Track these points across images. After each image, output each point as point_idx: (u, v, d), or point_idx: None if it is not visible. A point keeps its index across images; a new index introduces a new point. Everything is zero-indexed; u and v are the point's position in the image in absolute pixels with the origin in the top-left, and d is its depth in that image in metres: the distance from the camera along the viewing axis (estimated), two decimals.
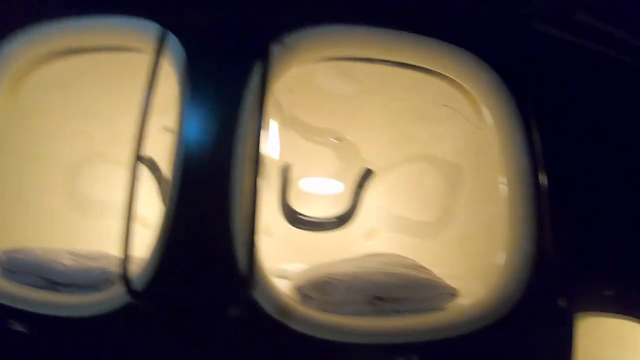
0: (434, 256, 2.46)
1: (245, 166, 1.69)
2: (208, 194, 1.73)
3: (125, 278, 1.63)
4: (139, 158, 1.74)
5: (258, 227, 1.64)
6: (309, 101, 2.82)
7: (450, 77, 2.03)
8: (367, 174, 3.25)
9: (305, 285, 1.84)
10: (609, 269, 3.72)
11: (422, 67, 2.05)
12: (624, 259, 3.63)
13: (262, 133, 1.70)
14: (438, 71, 2.03)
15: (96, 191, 2.90)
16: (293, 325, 1.64)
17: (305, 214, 3.23)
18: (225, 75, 1.85)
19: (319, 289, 1.78)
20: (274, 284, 1.75)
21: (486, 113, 1.97)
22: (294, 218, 3.20)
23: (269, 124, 2.74)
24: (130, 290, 1.65)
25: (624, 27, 3.17)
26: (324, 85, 2.63)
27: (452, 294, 1.81)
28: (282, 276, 2.27)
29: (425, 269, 1.91)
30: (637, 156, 3.53)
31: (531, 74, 2.07)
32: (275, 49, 1.82)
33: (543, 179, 1.84)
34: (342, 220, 3.27)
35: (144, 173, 2.65)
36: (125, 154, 1.82)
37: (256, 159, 1.67)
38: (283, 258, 2.68)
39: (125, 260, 1.65)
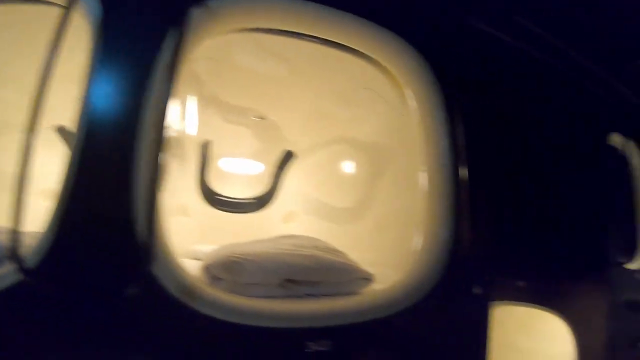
0: (352, 241, 2.44)
1: (151, 137, 1.55)
2: (109, 165, 1.54)
3: (15, 254, 1.45)
4: (54, 128, 1.53)
5: (160, 202, 1.50)
6: (230, 79, 2.69)
7: (376, 59, 1.98)
8: (288, 156, 3.20)
9: (214, 265, 1.72)
10: (523, 260, 3.92)
11: (347, 47, 1.98)
12: (537, 251, 3.83)
13: (171, 102, 1.56)
14: (363, 52, 1.97)
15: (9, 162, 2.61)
16: (196, 306, 1.53)
17: (224, 194, 3.12)
18: (139, 37, 1.68)
19: (228, 269, 1.67)
20: (179, 264, 1.60)
21: (410, 99, 1.94)
22: (212, 198, 3.07)
23: (184, 95, 2.59)
24: (21, 267, 1.47)
25: (555, 32, 3.33)
26: (247, 63, 2.51)
27: (366, 278, 1.77)
28: (196, 257, 2.15)
29: (341, 252, 1.85)
30: (555, 151, 3.73)
31: (458, 64, 2.08)
32: (195, 14, 1.69)
33: (463, 168, 1.84)
34: (261, 202, 3.19)
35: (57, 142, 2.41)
36: (42, 122, 1.62)
37: (161, 130, 1.53)
38: (200, 239, 2.57)
39: (15, 234, 1.46)
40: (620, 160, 4.21)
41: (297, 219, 3.09)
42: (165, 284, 1.53)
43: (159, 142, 1.51)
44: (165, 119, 1.54)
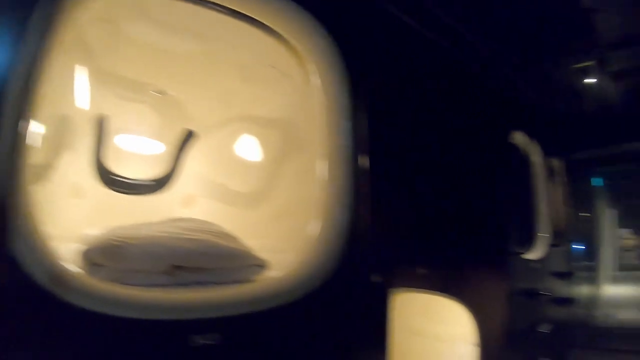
0: (253, 227, 2.35)
1: (15, 102, 1.34)
2: None
3: None
4: None
5: (23, 175, 1.31)
6: (128, 52, 2.46)
7: (282, 34, 1.88)
8: (189, 136, 3.01)
9: (93, 250, 1.54)
10: (424, 248, 4.02)
11: (252, 19, 1.85)
12: (438, 240, 3.95)
13: (46, 66, 1.37)
14: (269, 25, 1.86)
15: None
16: (68, 297, 1.34)
17: (121, 174, 2.89)
18: None
19: (109, 255, 1.50)
20: (48, 248, 1.42)
21: (314, 78, 1.86)
22: (108, 178, 2.82)
23: (71, 64, 2.35)
24: None
25: (466, 27, 3.39)
26: (142, 36, 2.31)
27: (260, 265, 1.67)
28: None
29: (234, 237, 1.73)
30: (458, 143, 3.85)
31: (366, 47, 2.02)
32: None
33: (363, 155, 1.79)
34: (160, 183, 2.99)
35: None
36: None
37: (28, 95, 1.33)
38: (94, 223, 2.35)
39: None
40: (521, 157, 4.46)
41: (196, 203, 2.94)
42: (30, 271, 1.33)
43: (23, 108, 1.31)
44: (35, 84, 1.35)
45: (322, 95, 1.84)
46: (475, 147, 3.72)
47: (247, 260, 1.63)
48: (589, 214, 8.39)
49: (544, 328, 4.19)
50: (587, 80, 4.95)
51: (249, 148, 2.65)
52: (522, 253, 3.84)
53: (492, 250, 3.56)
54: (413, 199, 4.07)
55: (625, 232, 14.70)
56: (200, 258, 1.55)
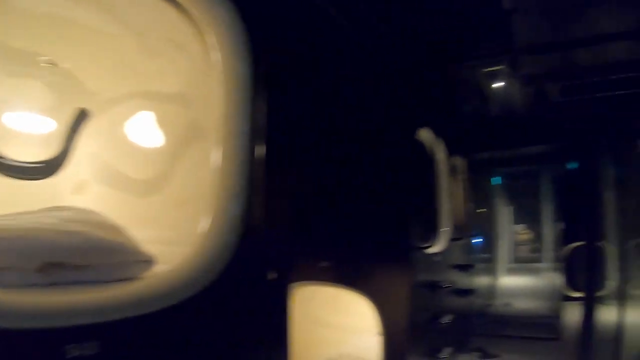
0: (147, 217, 2.16)
1: None
2: None
3: None
4: None
5: None
6: (13, 20, 2.18)
7: (180, 2, 1.71)
8: (82, 115, 2.71)
9: None
10: (327, 242, 4.00)
11: None
12: (341, 234, 3.94)
13: None
14: None
15: None
16: None
17: (6, 156, 2.58)
18: None
19: None
20: None
21: (214, 53, 1.69)
22: None
23: None
24: None
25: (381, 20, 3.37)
26: (31, 3, 2.06)
27: (147, 260, 1.47)
28: None
29: (120, 229, 1.51)
30: (363, 137, 3.86)
31: (273, 30, 1.90)
32: None
33: (262, 144, 1.66)
34: (50, 167, 2.70)
35: None
36: None
37: None
38: None
39: None
40: (426, 154, 4.58)
41: (89, 190, 2.66)
42: None
43: None
44: None
45: (222, 73, 1.67)
46: (380, 141, 3.75)
47: (132, 256, 1.43)
48: (488, 210, 8.92)
49: (446, 319, 4.35)
50: (495, 84, 5.20)
51: (146, 130, 2.43)
52: (425, 247, 3.94)
53: (395, 244, 3.62)
54: (315, 191, 4.03)
55: (519, 228, 15.83)
56: (79, 253, 1.31)
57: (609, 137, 4.18)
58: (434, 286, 4.25)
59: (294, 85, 2.01)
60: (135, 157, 2.45)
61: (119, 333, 1.29)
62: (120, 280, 1.38)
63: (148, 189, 2.32)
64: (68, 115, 2.71)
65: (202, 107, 1.95)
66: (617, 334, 3.26)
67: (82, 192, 2.63)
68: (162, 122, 2.35)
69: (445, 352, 4.35)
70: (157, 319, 1.35)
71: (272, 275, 1.66)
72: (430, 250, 4.20)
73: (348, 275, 3.78)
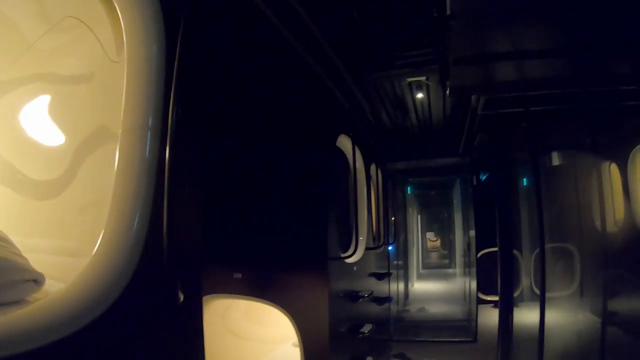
0: (44, 224, 1.87)
1: None
2: None
3: None
4: None
5: None
6: None
7: None
8: None
9: None
10: (241, 253, 3.83)
11: None
12: (255, 245, 3.79)
13: None
14: None
15: None
16: None
17: None
18: None
19: None
20: None
21: (125, 36, 1.46)
22: None
23: None
24: None
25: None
26: None
27: (36, 280, 1.22)
28: None
29: (4, 241, 1.25)
30: (282, 143, 3.75)
31: (193, 14, 1.68)
32: None
33: (171, 145, 1.40)
34: None
35: None
36: None
37: None
38: None
39: None
40: (345, 163, 4.55)
41: None
42: None
43: None
44: None
45: (131, 59, 1.45)
46: (297, 147, 3.66)
47: (18, 274, 1.19)
48: (401, 218, 9.14)
49: (366, 329, 4.32)
50: (418, 95, 5.28)
51: (47, 123, 2.12)
52: (342, 257, 3.90)
53: (311, 254, 3.54)
54: (227, 199, 3.87)
55: (431, 235, 16.43)
56: None
57: (523, 150, 4.37)
58: (352, 295, 4.21)
59: (211, 80, 1.81)
60: (34, 153, 2.13)
61: None
62: (2, 304, 1.13)
63: (47, 191, 2.01)
64: None
65: (108, 98, 1.70)
66: (533, 334, 3.37)
67: None
68: (65, 115, 2.06)
69: None
70: (49, 353, 1.09)
71: (180, 289, 1.44)
72: (348, 260, 4.14)
73: (262, 286, 3.63)
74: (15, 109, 2.21)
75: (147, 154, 1.33)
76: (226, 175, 3.89)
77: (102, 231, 1.26)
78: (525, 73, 3.65)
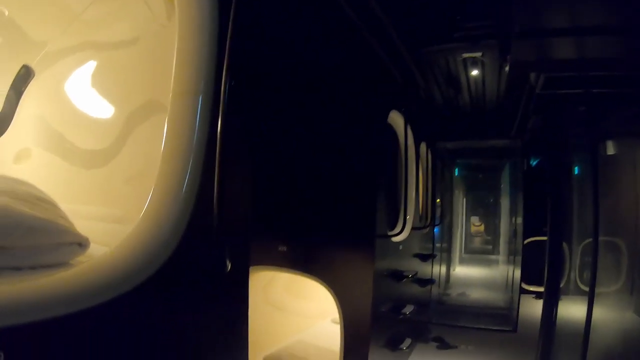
0: (94, 192, 1.90)
1: None
2: None
3: None
4: None
5: None
6: None
7: None
8: (27, 74, 2.42)
9: None
10: (286, 227, 3.81)
11: None
12: (301, 218, 3.75)
13: None
14: None
15: None
16: None
17: None
18: None
19: None
20: None
21: (178, 7, 1.41)
22: None
23: None
24: None
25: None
26: None
27: (80, 243, 1.21)
28: None
29: (49, 204, 1.24)
30: (327, 111, 3.66)
31: None
32: None
33: (223, 118, 1.37)
34: None
35: None
36: None
37: None
38: None
39: None
40: (395, 140, 4.42)
41: (31, 159, 2.36)
42: None
43: None
44: None
45: (184, 24, 1.40)
46: (348, 123, 3.57)
47: (63, 237, 1.18)
48: (448, 200, 8.93)
49: (407, 310, 4.25)
50: (472, 72, 5.06)
51: (96, 92, 2.13)
52: (389, 235, 3.80)
53: (358, 231, 3.47)
54: (278, 174, 3.84)
55: (476, 219, 16.08)
56: None
57: (579, 136, 4.11)
58: (396, 275, 4.12)
59: (264, 49, 1.75)
60: (83, 122, 2.15)
61: (41, 337, 0.98)
62: (46, 266, 1.12)
63: (95, 160, 2.03)
64: (10, 74, 2.37)
65: (157, 64, 1.67)
66: (575, 329, 3.20)
67: (24, 161, 2.30)
68: (114, 83, 2.05)
69: (406, 343, 4.25)
70: (94, 316, 1.08)
71: (229, 263, 1.42)
72: (395, 239, 4.06)
73: (307, 260, 3.61)
74: (64, 79, 2.23)
75: (197, 119, 1.31)
76: (277, 147, 3.86)
77: (150, 194, 1.24)
78: (588, 51, 3.42)
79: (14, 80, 2.43)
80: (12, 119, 2.48)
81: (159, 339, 1.27)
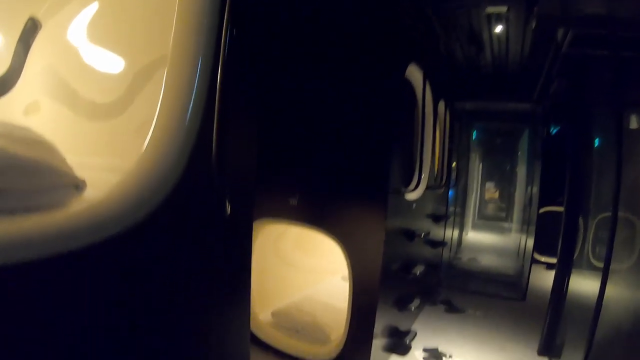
0: (100, 143, 1.87)
1: None
2: None
3: None
4: None
5: None
6: None
7: None
8: (34, 26, 2.34)
9: None
10: (296, 180, 3.76)
11: None
12: (311, 171, 3.69)
13: None
14: None
15: None
16: None
17: None
18: None
19: None
20: None
21: None
22: None
23: None
24: None
25: None
26: None
27: (77, 185, 1.19)
28: None
29: (46, 146, 1.21)
30: (339, 62, 3.54)
31: None
32: None
33: (229, 67, 1.36)
34: (0, 87, 2.34)
35: None
36: None
37: None
38: None
39: None
40: (413, 95, 4.28)
41: (41, 111, 2.33)
42: None
43: None
44: None
45: None
46: (363, 75, 3.44)
47: (59, 178, 1.15)
48: (463, 163, 8.80)
49: (417, 270, 4.23)
50: (496, 29, 4.85)
51: (102, 41, 2.08)
52: (401, 192, 3.71)
53: (371, 186, 3.38)
54: (290, 126, 3.76)
55: (491, 185, 15.92)
56: None
57: (602, 104, 3.91)
58: (408, 234, 4.07)
59: (274, 9, 1.69)
60: (91, 73, 2.12)
61: (37, 274, 0.99)
62: (41, 208, 1.09)
63: (103, 112, 2.01)
64: (17, 26, 2.32)
65: (163, 14, 1.61)
66: (584, 303, 3.15)
67: (34, 114, 2.28)
68: (122, 34, 1.99)
69: (415, 303, 4.25)
70: (85, 256, 1.07)
71: (228, 207, 1.39)
72: (408, 196, 3.99)
73: (317, 214, 3.57)
74: (71, 27, 2.19)
75: (199, 65, 1.27)
76: (290, 98, 3.77)
77: (149, 137, 1.20)
78: (622, 8, 3.21)
79: (21, 34, 2.37)
80: (21, 73, 2.45)
81: (152, 282, 1.26)
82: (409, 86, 4.16)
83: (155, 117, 1.24)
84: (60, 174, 1.14)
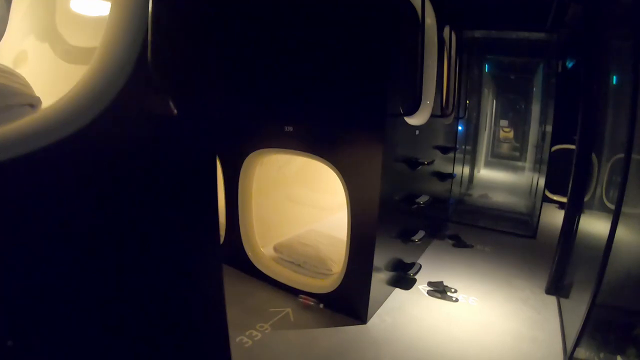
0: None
1: None
2: None
3: None
4: None
5: None
6: None
7: None
8: None
9: None
10: (288, 106, 3.65)
11: None
12: (307, 97, 3.55)
13: None
14: None
15: None
16: None
17: None
18: None
19: None
20: None
21: None
22: None
23: None
24: None
25: None
26: None
27: (32, 104, 1.21)
28: None
29: (6, 71, 1.22)
30: None
31: None
32: None
33: None
34: None
35: None
36: None
37: None
38: None
39: None
40: (416, 17, 4.01)
41: (28, 61, 2.30)
42: None
43: None
44: None
45: None
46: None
47: (12, 99, 1.15)
48: (475, 98, 8.56)
49: (422, 199, 4.15)
50: None
51: None
52: (401, 114, 3.54)
53: (366, 108, 3.25)
54: (277, 51, 3.61)
55: (504, 122, 15.63)
56: None
57: (619, 37, 3.65)
58: (410, 162, 3.97)
59: None
60: (76, 18, 2.06)
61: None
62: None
63: (82, 57, 1.98)
64: None
65: None
66: (594, 245, 3.09)
67: (23, 65, 2.25)
68: None
69: (419, 235, 4.21)
70: (33, 161, 1.08)
71: (173, 107, 1.36)
72: (410, 121, 3.85)
73: (313, 141, 3.50)
74: None
75: None
76: (279, 20, 3.61)
77: (98, 47, 1.18)
78: None
79: None
80: (6, 22, 2.37)
81: (100, 187, 1.26)
82: (410, 9, 3.92)
83: (106, 24, 1.21)
84: (15, 95, 1.16)
